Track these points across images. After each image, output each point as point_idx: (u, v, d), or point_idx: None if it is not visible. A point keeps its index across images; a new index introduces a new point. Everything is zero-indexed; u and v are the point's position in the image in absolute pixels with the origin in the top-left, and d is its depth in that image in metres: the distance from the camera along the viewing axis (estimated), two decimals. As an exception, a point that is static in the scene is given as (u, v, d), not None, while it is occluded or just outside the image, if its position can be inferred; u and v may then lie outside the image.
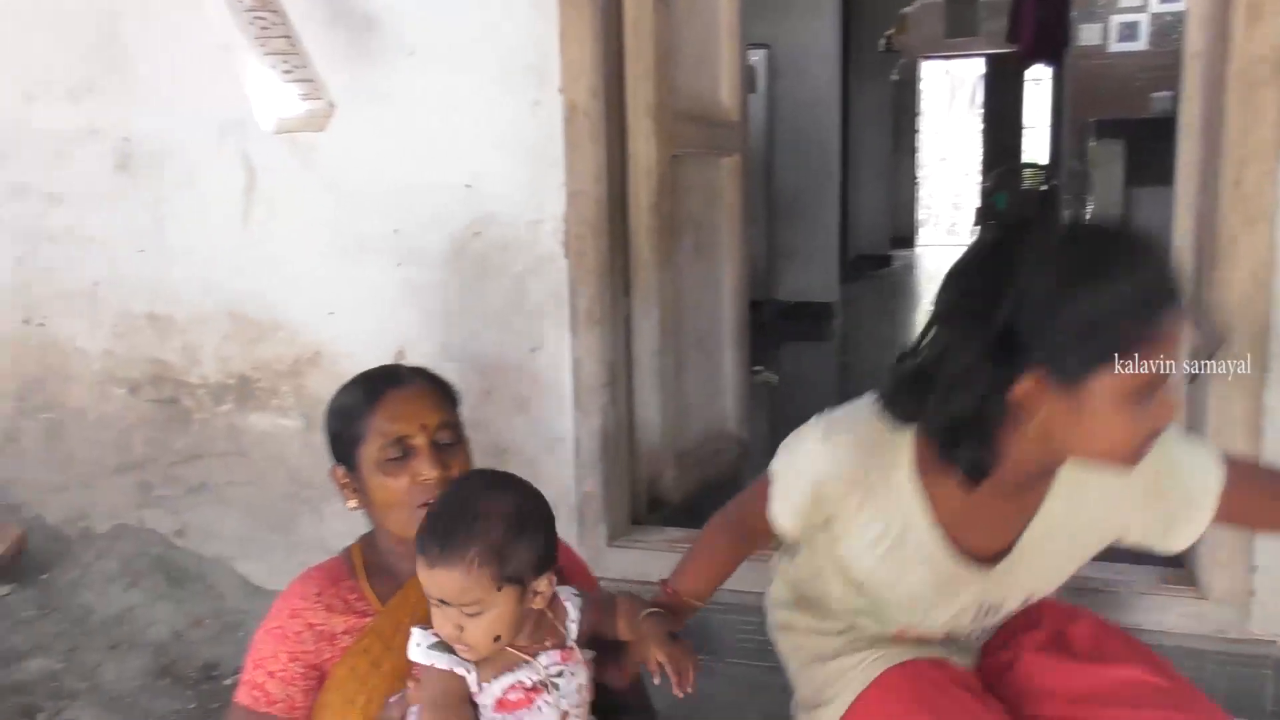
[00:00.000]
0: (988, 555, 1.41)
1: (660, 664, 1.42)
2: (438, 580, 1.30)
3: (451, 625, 1.31)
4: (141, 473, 3.11)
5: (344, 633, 1.49)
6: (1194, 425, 2.29)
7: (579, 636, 1.43)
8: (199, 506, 3.08)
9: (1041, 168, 11.11)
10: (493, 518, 1.33)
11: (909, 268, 10.05)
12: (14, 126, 3.00)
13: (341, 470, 1.55)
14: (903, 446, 1.37)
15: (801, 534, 1.53)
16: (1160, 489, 1.37)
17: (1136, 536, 1.45)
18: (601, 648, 1.48)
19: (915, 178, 11.60)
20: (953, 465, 1.27)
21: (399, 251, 2.71)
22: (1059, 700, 1.46)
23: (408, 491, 1.48)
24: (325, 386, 2.82)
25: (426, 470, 1.47)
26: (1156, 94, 6.14)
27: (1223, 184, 2.11)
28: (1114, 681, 1.44)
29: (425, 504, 1.46)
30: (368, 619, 1.51)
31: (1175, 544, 1.43)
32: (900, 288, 9.01)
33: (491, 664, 1.35)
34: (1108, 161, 5.52)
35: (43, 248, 3.04)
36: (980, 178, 11.78)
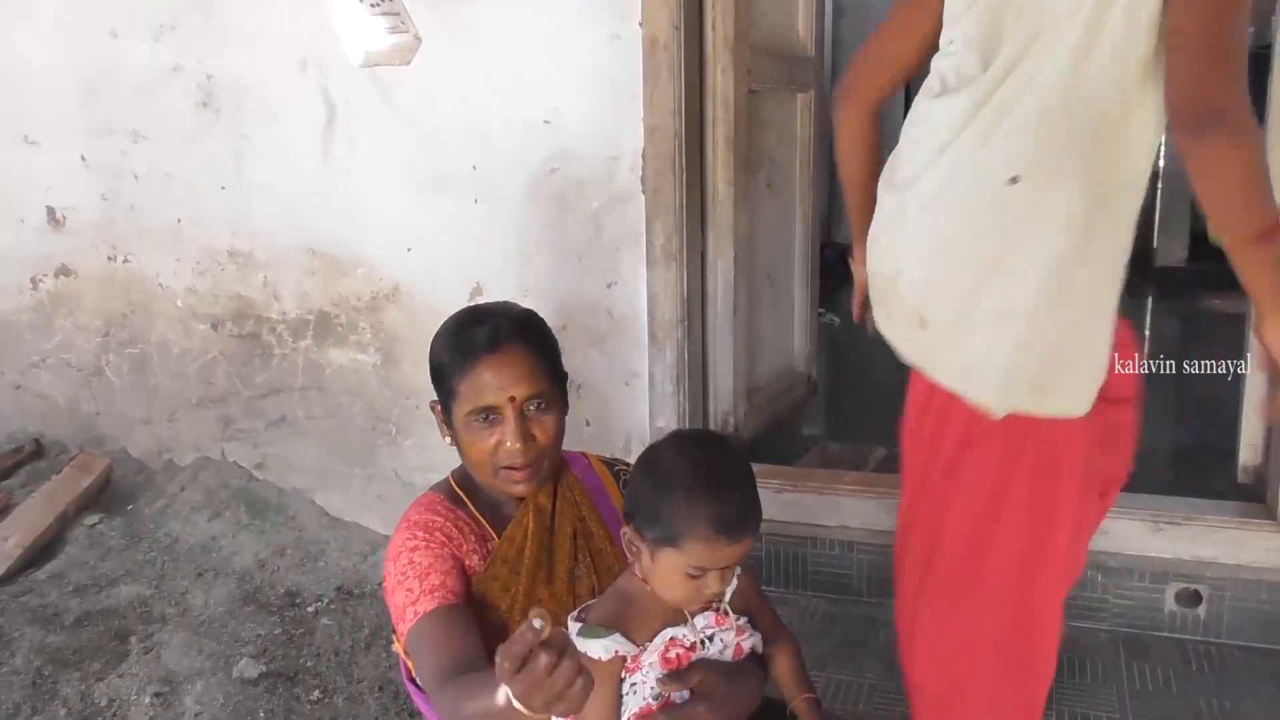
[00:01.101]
0: None
1: None
2: (737, 552, 1.34)
3: (720, 585, 1.37)
4: (223, 406, 3.19)
5: (472, 552, 1.53)
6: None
7: (734, 605, 1.46)
8: (278, 440, 3.15)
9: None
10: (754, 482, 1.39)
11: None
12: (99, 64, 3.05)
13: (439, 407, 1.58)
14: None
15: None
16: None
17: None
18: None
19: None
20: None
21: (477, 188, 2.73)
22: None
23: (492, 454, 1.50)
24: (403, 322, 2.89)
25: (511, 441, 1.48)
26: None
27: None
28: None
29: (509, 468, 1.50)
30: (490, 543, 1.54)
31: None
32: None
33: (648, 626, 1.38)
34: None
35: (127, 185, 3.10)
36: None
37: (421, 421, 2.95)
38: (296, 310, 3.02)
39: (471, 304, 1.62)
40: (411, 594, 1.47)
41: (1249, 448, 2.43)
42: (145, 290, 3.18)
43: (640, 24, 2.48)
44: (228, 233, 3.04)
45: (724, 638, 1.43)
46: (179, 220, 3.08)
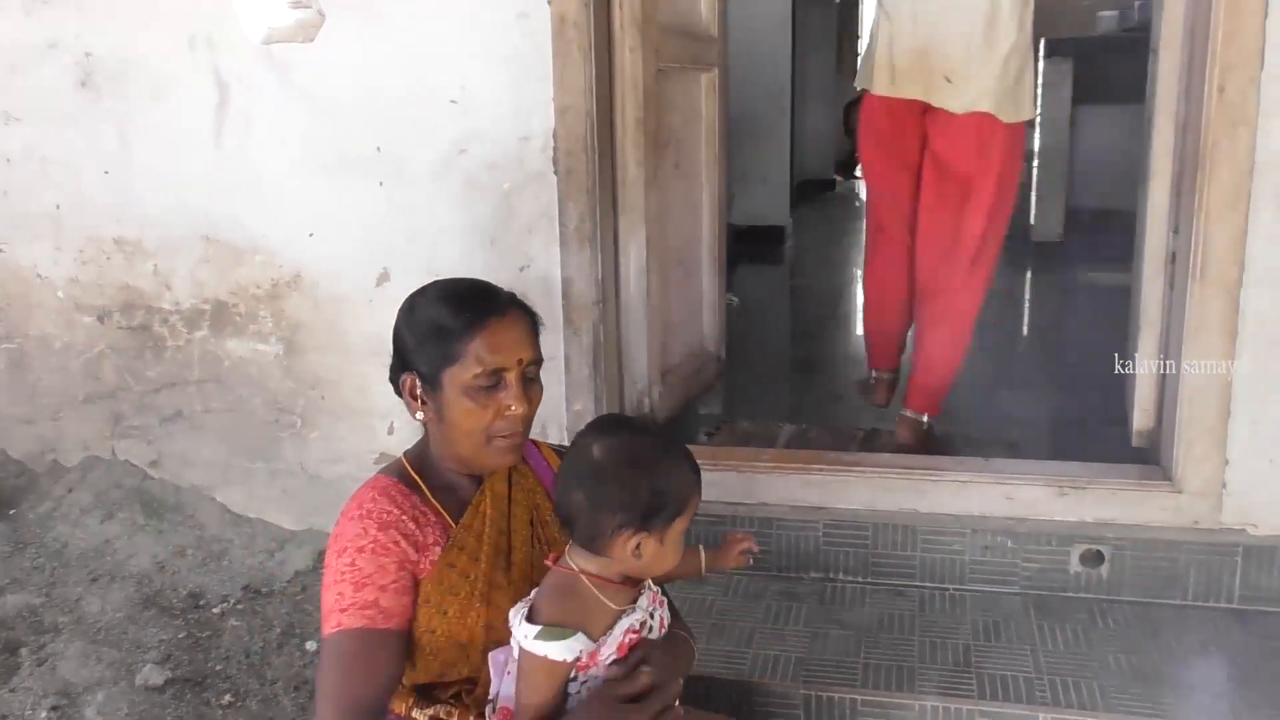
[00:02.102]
0: None
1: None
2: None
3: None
4: (113, 403, 3.04)
5: (433, 543, 1.50)
6: (1172, 324, 2.38)
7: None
8: (174, 436, 3.03)
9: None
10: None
11: (852, 192, 10.11)
12: (-37, 42, 2.86)
13: (414, 381, 1.53)
14: None
15: None
16: None
17: None
18: None
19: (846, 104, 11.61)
20: None
21: (382, 170, 2.65)
22: None
23: (491, 421, 1.49)
24: (306, 310, 2.80)
25: (516, 405, 1.49)
26: (1103, 13, 6.22)
27: (1207, 91, 2.16)
28: None
29: (505, 436, 1.50)
30: (449, 530, 1.52)
31: None
32: (845, 211, 9.08)
33: (603, 617, 1.39)
34: (1056, 81, 5.59)
35: (-1, 170, 2.92)
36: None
37: (327, 413, 2.86)
38: (191, 300, 2.89)
39: (444, 279, 1.61)
40: (342, 600, 1.44)
41: (1142, 413, 2.55)
42: (22, 281, 3.01)
43: (549, 2, 2.45)
44: (113, 219, 2.89)
45: (658, 614, 1.47)
46: (58, 206, 2.91)
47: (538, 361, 1.54)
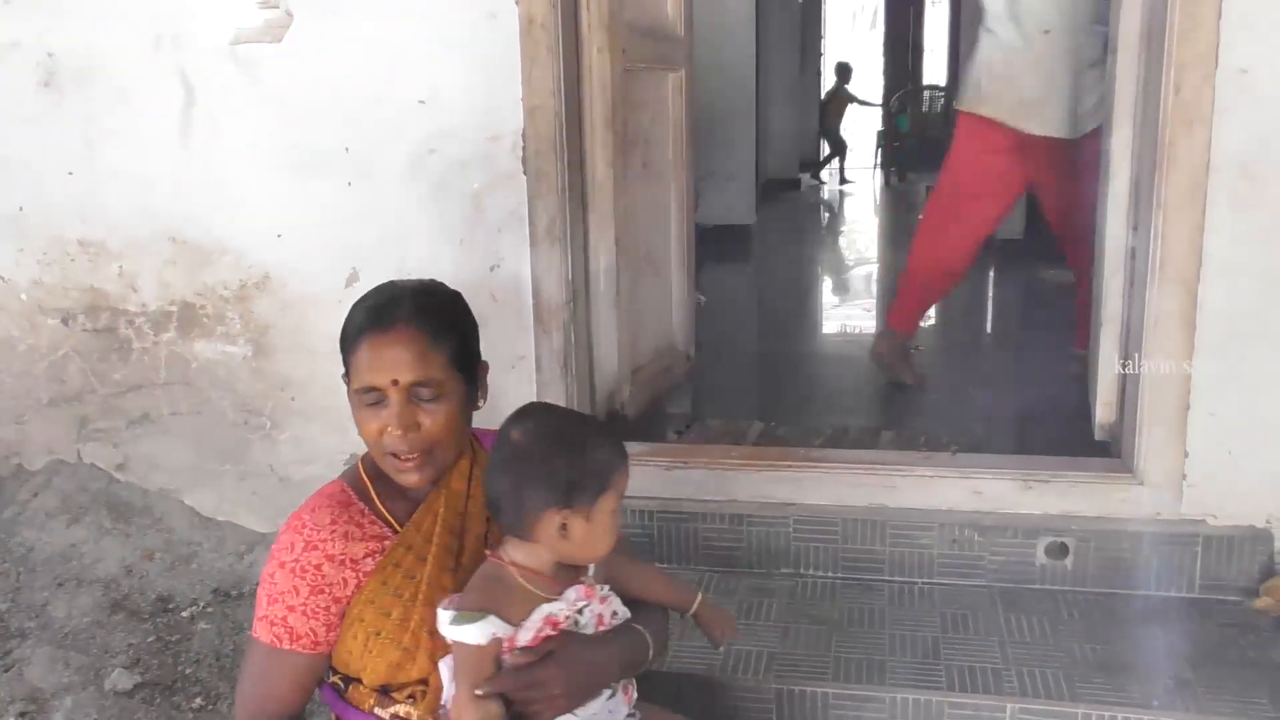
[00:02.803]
0: None
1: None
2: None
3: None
4: (78, 406, 3.01)
5: (365, 556, 1.48)
6: (1133, 319, 2.43)
7: (602, 577, 1.49)
8: (142, 439, 3.00)
9: (941, 89, 11.31)
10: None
11: (816, 191, 10.18)
12: (-79, 41, 2.81)
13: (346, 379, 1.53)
14: None
15: None
16: None
17: None
18: None
19: (821, 102, 11.70)
20: None
21: (351, 170, 2.64)
22: None
23: (377, 437, 1.46)
24: (275, 311, 2.79)
25: (392, 427, 1.44)
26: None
27: (1164, 91, 2.21)
28: None
29: (394, 454, 1.46)
30: (388, 540, 1.50)
31: None
32: (810, 211, 9.14)
33: (524, 605, 1.39)
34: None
35: (-42, 171, 2.88)
36: (882, 100, 11.93)
37: (297, 414, 2.85)
38: (157, 302, 2.87)
39: (388, 281, 1.57)
40: (259, 608, 1.49)
41: (1105, 406, 2.59)
42: (-17, 284, 2.97)
43: (517, 2, 2.45)
44: (77, 220, 2.86)
45: (592, 609, 1.45)
46: (21, 208, 2.88)
47: (431, 382, 1.44)
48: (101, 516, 2.99)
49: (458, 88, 2.54)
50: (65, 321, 2.94)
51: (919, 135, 10.21)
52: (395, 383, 1.43)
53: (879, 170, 11.44)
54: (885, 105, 11.50)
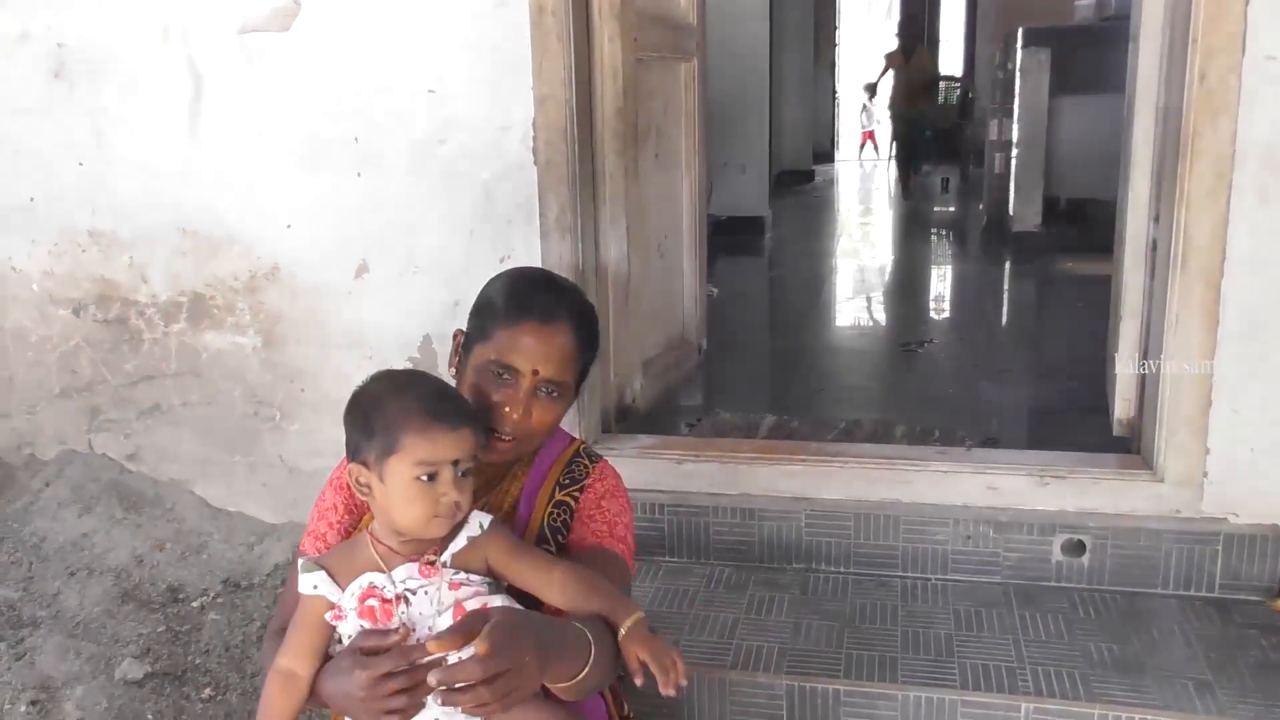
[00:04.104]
0: None
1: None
2: (462, 440, 1.35)
3: (456, 492, 1.34)
4: (89, 396, 3.01)
5: None
6: (1154, 314, 2.39)
7: (468, 561, 1.37)
8: (152, 429, 3.00)
9: (957, 81, 11.23)
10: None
11: (830, 183, 10.13)
12: (-68, 31, 2.81)
13: (463, 338, 1.58)
14: None
15: None
16: None
17: None
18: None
19: (835, 92, 11.63)
20: None
21: (360, 160, 2.62)
22: None
23: (486, 402, 1.49)
24: (285, 302, 2.78)
25: (512, 408, 1.47)
26: (1080, 2, 6.23)
27: (1188, 79, 2.17)
28: None
29: (496, 431, 1.48)
30: None
31: None
32: (823, 203, 9.09)
33: (349, 569, 1.36)
34: (1034, 70, 5.60)
35: (-30, 162, 2.88)
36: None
37: (307, 406, 2.84)
38: (167, 292, 2.86)
39: (534, 267, 1.67)
40: (310, 521, 1.57)
41: (1123, 402, 2.56)
42: (-5, 274, 2.97)
43: (526, -12, 2.43)
44: (88, 211, 2.85)
45: (434, 593, 1.33)
46: (32, 199, 2.87)
47: (561, 384, 1.49)
48: (113, 506, 2.99)
49: (467, 77, 2.52)
50: (76, 312, 2.94)
51: (934, 127, 10.13)
52: (535, 372, 1.48)
53: (893, 162, 11.38)
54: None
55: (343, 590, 1.35)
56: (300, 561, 1.39)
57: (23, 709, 2.30)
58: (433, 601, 1.33)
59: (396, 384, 1.40)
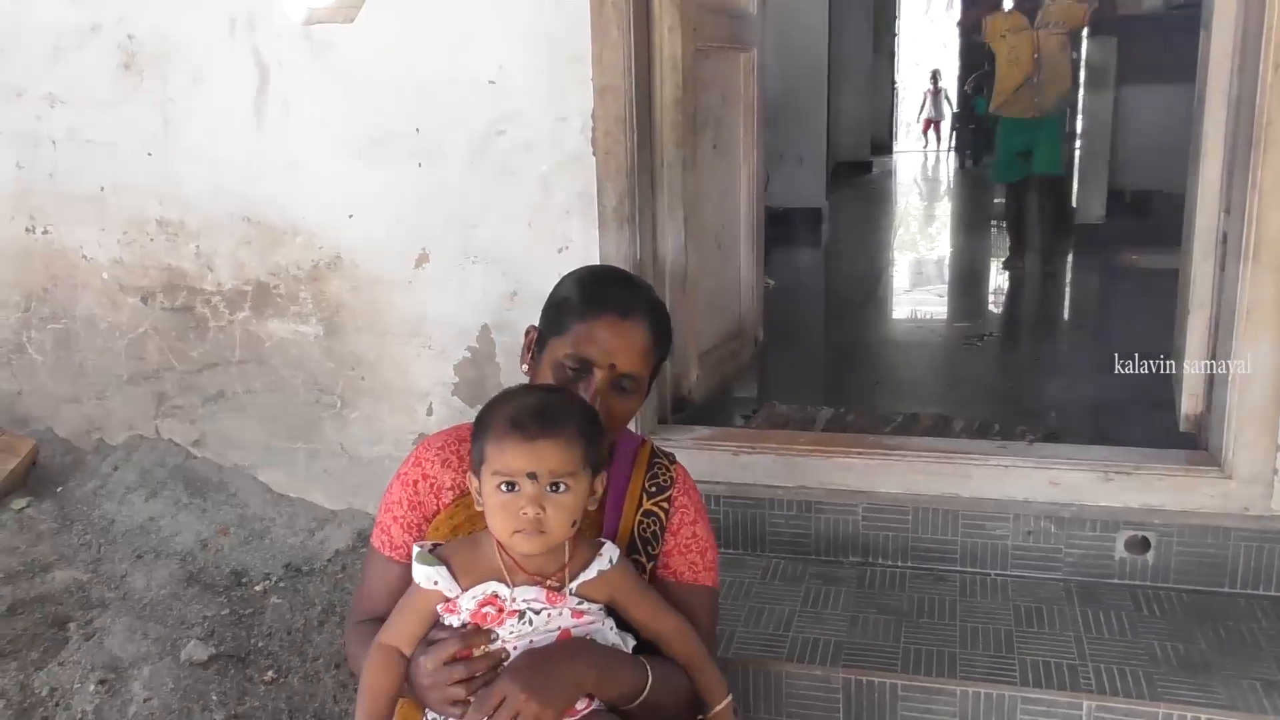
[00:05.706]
0: None
1: None
2: (539, 452, 1.31)
3: (535, 507, 1.31)
4: (156, 382, 3.08)
5: (449, 488, 1.53)
6: (1223, 307, 2.33)
7: (592, 592, 1.39)
8: (217, 415, 3.06)
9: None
10: (578, 404, 1.42)
11: (888, 174, 10.03)
12: (8, 25, 2.89)
13: (536, 335, 1.59)
14: None
15: None
16: None
17: None
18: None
19: (894, 83, 11.50)
20: None
21: (420, 151, 2.65)
22: None
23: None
24: (346, 291, 2.81)
25: (588, 400, 1.47)
26: (1148, -9, 6.10)
27: (1262, 67, 2.11)
28: None
29: None
30: None
31: None
32: (881, 194, 9.00)
33: (472, 569, 1.36)
34: (1101, 60, 5.49)
35: (44, 152, 2.95)
36: (959, 83, 11.67)
37: (367, 394, 2.88)
38: (232, 281, 2.92)
39: (606, 265, 1.70)
40: (379, 514, 1.57)
41: (1191, 397, 2.50)
42: (68, 262, 3.04)
43: (587, -21, 2.43)
44: (156, 201, 2.91)
45: (553, 616, 1.37)
46: (102, 189, 2.94)
47: (638, 379, 1.51)
48: (179, 491, 3.06)
49: (526, 68, 2.53)
50: (144, 300, 3.01)
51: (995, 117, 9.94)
52: (612, 366, 1.48)
53: (953, 153, 11.21)
54: (961, 87, 11.24)
55: (461, 589, 1.35)
56: (416, 551, 1.37)
57: (91, 688, 2.35)
58: (548, 623, 1.37)
59: (508, 395, 1.41)
